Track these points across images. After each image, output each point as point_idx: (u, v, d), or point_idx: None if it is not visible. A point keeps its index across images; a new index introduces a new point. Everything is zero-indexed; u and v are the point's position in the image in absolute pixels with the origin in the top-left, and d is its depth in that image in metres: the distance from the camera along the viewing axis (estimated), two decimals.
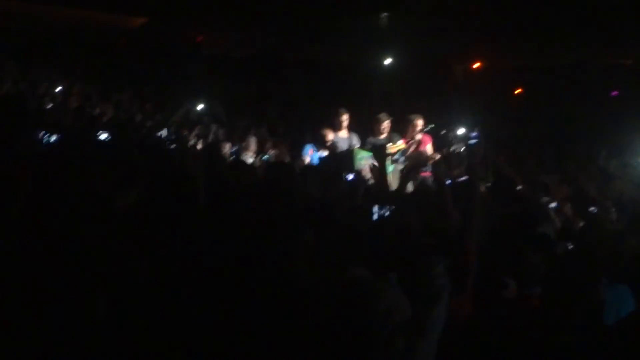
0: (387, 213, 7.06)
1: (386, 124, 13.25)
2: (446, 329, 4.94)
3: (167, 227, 6.14)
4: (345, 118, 13.15)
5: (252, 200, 7.33)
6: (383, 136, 13.20)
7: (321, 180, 9.14)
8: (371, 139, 13.16)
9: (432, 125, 13.43)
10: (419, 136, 13.15)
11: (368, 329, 4.75)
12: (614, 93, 20.76)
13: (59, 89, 16.13)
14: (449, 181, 11.48)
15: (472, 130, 12.53)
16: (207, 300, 5.40)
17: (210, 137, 14.39)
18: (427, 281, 4.95)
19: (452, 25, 20.89)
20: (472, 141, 12.21)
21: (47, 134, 8.32)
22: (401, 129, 13.35)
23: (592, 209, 11.50)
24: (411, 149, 12.98)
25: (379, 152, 11.65)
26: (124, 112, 15.20)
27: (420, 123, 13.21)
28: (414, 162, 12.56)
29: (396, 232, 6.42)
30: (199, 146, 13.17)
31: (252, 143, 13.63)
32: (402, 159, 12.77)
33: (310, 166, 11.88)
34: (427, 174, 12.40)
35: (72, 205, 5.82)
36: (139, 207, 6.48)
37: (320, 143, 12.85)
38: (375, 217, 7.07)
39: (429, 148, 13.15)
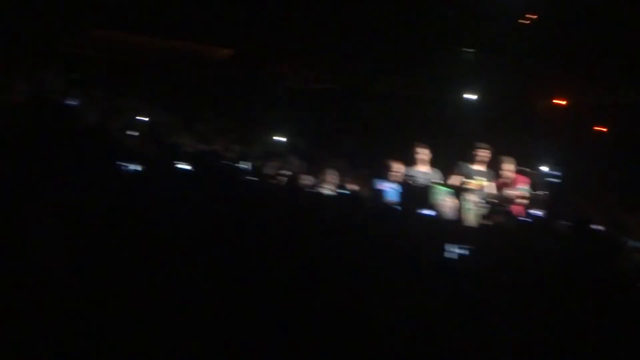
0: (466, 252, 7.05)
1: (483, 154, 13.11)
2: None
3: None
4: (420, 151, 13.08)
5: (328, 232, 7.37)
6: (477, 166, 13.05)
7: (398, 213, 9.15)
8: (461, 164, 13.04)
9: (521, 168, 13.28)
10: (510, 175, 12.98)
11: None
12: None
13: (144, 119, 16.38)
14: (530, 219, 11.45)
15: (555, 169, 12.42)
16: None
17: (291, 170, 14.47)
18: None
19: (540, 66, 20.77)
20: (554, 180, 12.11)
21: (127, 164, 8.45)
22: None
23: None
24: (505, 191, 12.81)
25: (458, 189, 11.68)
26: (206, 144, 15.36)
27: (511, 167, 13.07)
28: (498, 203, 12.44)
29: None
30: (280, 178, 13.24)
31: (331, 176, 13.65)
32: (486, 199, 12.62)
33: (384, 201, 11.88)
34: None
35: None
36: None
37: (388, 175, 12.82)
38: (452, 255, 7.06)
39: (522, 188, 12.97)
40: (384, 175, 13.00)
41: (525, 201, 12.80)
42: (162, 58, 20.09)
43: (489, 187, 12.86)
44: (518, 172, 13.21)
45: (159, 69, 19.50)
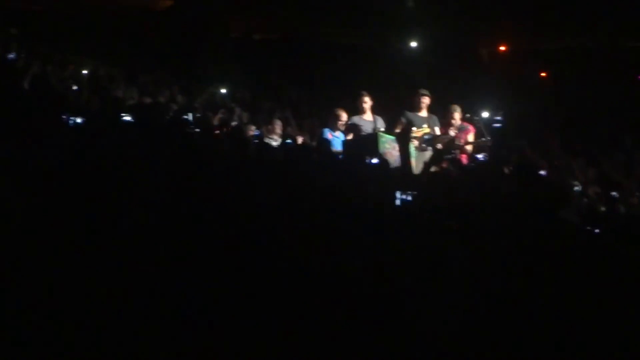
0: (410, 198, 7.10)
1: (426, 100, 13.19)
2: None
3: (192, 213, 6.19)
4: (366, 100, 13.10)
5: (274, 183, 7.38)
6: (421, 113, 13.13)
7: (344, 164, 9.17)
8: (408, 114, 13.10)
9: (468, 115, 13.36)
10: (457, 123, 13.08)
11: None
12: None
13: (85, 71, 16.18)
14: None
15: (496, 114, 12.50)
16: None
17: (235, 121, 14.41)
18: None
19: (478, 8, 20.82)
20: (496, 125, 12.20)
21: (72, 117, 8.37)
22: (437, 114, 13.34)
23: (614, 193, 11.48)
24: (450, 137, 12.90)
25: (403, 136, 11.72)
26: (149, 95, 15.21)
27: (458, 114, 13.17)
28: (444, 147, 12.53)
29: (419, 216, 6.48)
30: (223, 129, 13.16)
31: (277, 126, 13.62)
32: (427, 142, 12.70)
33: (330, 151, 11.90)
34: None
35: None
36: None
37: (334, 124, 12.82)
38: (398, 202, 7.11)
39: (470, 137, 13.08)
40: (330, 124, 12.99)
41: (470, 147, 12.91)
42: (103, 9, 19.81)
43: (434, 133, 12.94)
44: (463, 119, 13.30)
45: (100, 21, 19.24)
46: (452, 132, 12.93)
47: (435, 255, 5.54)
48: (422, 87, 13.63)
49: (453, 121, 13.04)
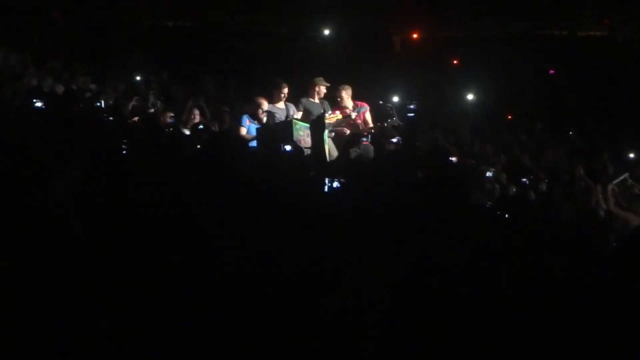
0: (338, 185, 7.16)
1: (322, 89, 13.29)
2: None
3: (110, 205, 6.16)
4: (285, 90, 13.15)
5: (192, 172, 7.36)
6: (316, 100, 13.23)
7: (259, 151, 9.20)
8: (304, 100, 13.18)
9: (381, 102, 13.47)
10: (349, 105, 13.20)
11: None
12: (552, 72, 21.03)
13: None
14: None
15: (410, 103, 12.63)
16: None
17: (149, 108, 14.32)
18: None
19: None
20: (410, 114, 12.34)
21: None
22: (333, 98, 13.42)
23: (524, 179, 11.73)
24: (351, 119, 13.02)
25: (317, 124, 11.78)
26: (63, 83, 15.04)
27: (349, 93, 13.28)
28: (353, 133, 12.63)
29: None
30: (137, 117, 13.07)
31: (195, 115, 13.57)
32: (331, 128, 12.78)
33: (243, 139, 11.92)
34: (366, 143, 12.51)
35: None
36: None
37: (255, 113, 12.85)
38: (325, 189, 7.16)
39: (368, 116, 13.21)
40: (251, 112, 13.00)
41: (359, 121, 13.03)
42: None
43: (339, 117, 13.05)
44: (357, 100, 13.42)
45: (11, 7, 18.91)
46: (352, 114, 13.04)
47: (361, 241, 5.61)
48: (332, 74, 13.76)
49: (344, 102, 13.15)
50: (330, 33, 21.75)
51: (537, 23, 23.45)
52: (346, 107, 13.11)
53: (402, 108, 12.96)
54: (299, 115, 12.89)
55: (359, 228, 5.94)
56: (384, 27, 23.10)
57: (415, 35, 23.39)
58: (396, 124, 12.84)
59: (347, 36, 21.84)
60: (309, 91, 13.32)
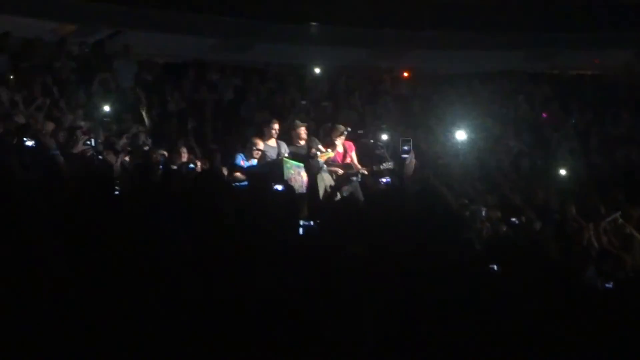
0: (313, 225, 7.13)
1: (302, 131, 13.27)
2: None
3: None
4: (276, 127, 13.15)
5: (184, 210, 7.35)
6: (301, 143, 13.19)
7: (250, 190, 9.18)
8: (291, 148, 13.13)
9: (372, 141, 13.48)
10: (339, 142, 13.20)
11: None
12: (544, 115, 21.05)
13: None
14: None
15: (404, 143, 12.58)
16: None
17: (141, 146, 14.30)
18: None
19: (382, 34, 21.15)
20: (405, 155, 12.31)
21: None
22: (323, 136, 13.39)
23: (514, 219, 11.71)
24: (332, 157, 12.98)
25: (311, 163, 11.79)
26: (53, 120, 14.99)
27: (341, 130, 13.28)
28: (344, 173, 12.63)
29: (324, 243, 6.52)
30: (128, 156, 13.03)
31: (183, 152, 13.55)
32: (324, 167, 12.76)
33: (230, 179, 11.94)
34: None
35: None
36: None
37: (250, 151, 12.83)
38: (301, 230, 7.13)
39: (353, 155, 13.20)
40: (246, 152, 12.96)
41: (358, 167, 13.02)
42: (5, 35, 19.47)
43: (330, 154, 13.05)
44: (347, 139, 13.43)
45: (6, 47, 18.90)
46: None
47: (342, 282, 5.59)
48: (324, 112, 13.79)
49: (336, 142, 13.15)
50: (320, 71, 21.79)
51: (527, 60, 23.56)
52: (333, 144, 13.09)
53: (393, 146, 12.95)
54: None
55: (337, 268, 5.92)
56: (376, 64, 23.15)
57: (405, 74, 23.44)
58: (391, 167, 12.83)
59: (337, 73, 21.88)
60: (291, 136, 13.28)
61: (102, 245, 6.07)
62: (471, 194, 14.29)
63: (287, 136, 13.44)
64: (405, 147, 12.41)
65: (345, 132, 13.32)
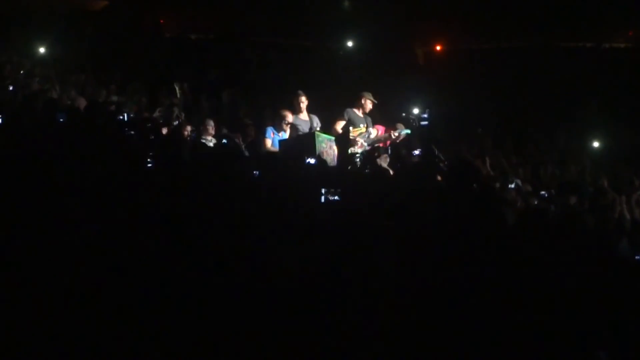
0: (335, 197, 7.11)
1: (368, 104, 13.24)
2: None
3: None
4: (303, 100, 13.11)
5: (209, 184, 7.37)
6: (360, 113, 13.19)
7: (282, 163, 9.17)
8: (348, 110, 13.12)
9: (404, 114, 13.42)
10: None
11: None
12: None
13: (21, 72, 16.06)
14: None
15: (423, 112, 12.55)
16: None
17: (172, 120, 14.32)
18: None
19: (414, 9, 21.03)
20: (423, 123, 12.27)
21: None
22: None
23: (543, 192, 11.63)
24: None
25: (343, 137, 11.76)
26: (86, 96, 15.09)
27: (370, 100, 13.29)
28: (375, 146, 12.61)
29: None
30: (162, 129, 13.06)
31: (210, 126, 13.55)
32: (369, 142, 12.77)
33: (269, 151, 11.93)
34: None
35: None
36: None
37: (280, 124, 12.81)
38: (322, 199, 7.11)
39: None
40: (276, 124, 12.95)
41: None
42: (39, 9, 19.59)
43: (372, 132, 13.05)
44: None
45: (36, 21, 19.01)
46: (396, 134, 13.01)
47: (365, 255, 5.57)
48: (358, 86, 13.71)
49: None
50: (352, 45, 21.73)
51: (560, 35, 23.34)
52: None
53: (416, 119, 12.88)
54: (341, 124, 12.80)
55: (361, 241, 5.91)
56: (407, 39, 23.05)
57: (438, 48, 23.34)
58: (408, 132, 12.82)
59: (369, 48, 21.82)
60: (355, 102, 13.26)
61: (133, 219, 6.10)
62: (504, 167, 14.22)
63: (351, 103, 13.39)
64: (424, 115, 12.36)
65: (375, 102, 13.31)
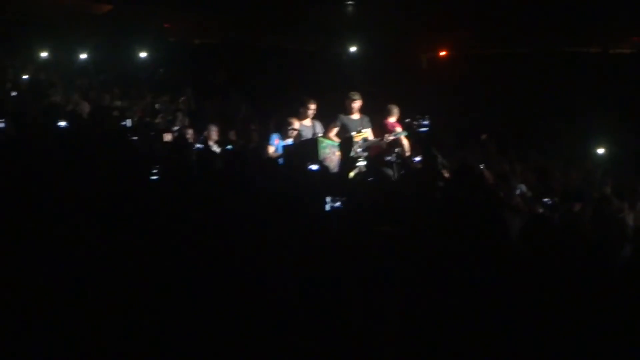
0: (339, 204, 7.10)
1: (358, 104, 13.21)
2: None
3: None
4: (312, 107, 13.08)
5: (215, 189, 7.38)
6: (354, 115, 13.15)
7: (285, 169, 9.19)
8: (342, 116, 13.09)
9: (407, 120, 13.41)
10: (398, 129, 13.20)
11: None
12: None
13: (24, 77, 16.08)
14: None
15: (422, 118, 12.54)
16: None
17: (176, 126, 14.36)
18: None
19: (417, 15, 20.98)
20: (423, 129, 12.26)
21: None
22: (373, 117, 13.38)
23: (546, 199, 11.59)
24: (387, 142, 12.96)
25: (346, 144, 11.74)
26: (89, 100, 15.11)
27: (396, 112, 13.31)
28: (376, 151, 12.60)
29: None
30: (165, 134, 13.08)
31: (214, 132, 13.56)
32: (363, 147, 12.74)
33: (271, 157, 11.92)
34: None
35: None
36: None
37: (285, 132, 12.80)
38: (327, 207, 7.10)
39: (405, 142, 13.16)
40: (282, 131, 12.93)
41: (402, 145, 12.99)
42: (42, 13, 19.61)
43: (369, 135, 13.03)
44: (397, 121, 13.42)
45: (39, 25, 19.04)
46: (390, 137, 12.98)
47: (367, 260, 5.57)
48: (359, 91, 13.68)
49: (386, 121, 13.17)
50: (356, 50, 21.71)
51: (565, 41, 23.31)
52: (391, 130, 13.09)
53: (417, 126, 12.86)
54: (335, 131, 12.80)
55: (364, 247, 5.91)
56: (411, 44, 23.03)
57: (442, 53, 23.32)
58: (404, 133, 12.83)
59: (374, 54, 21.80)
60: (345, 108, 13.23)
61: (136, 225, 6.11)
62: (507, 173, 14.19)
63: (341, 107, 13.35)
64: (424, 122, 12.35)
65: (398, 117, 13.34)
